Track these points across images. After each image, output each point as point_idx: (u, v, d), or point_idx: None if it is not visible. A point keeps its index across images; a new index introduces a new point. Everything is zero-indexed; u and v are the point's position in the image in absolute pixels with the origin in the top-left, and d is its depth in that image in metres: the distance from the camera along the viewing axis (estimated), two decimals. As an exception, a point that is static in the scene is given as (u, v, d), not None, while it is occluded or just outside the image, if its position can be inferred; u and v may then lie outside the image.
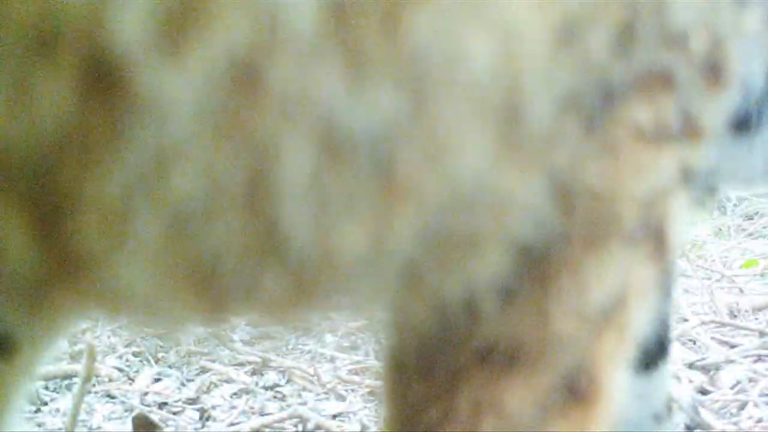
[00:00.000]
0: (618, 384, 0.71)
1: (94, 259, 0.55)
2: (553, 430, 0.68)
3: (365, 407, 2.05)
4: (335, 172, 0.55)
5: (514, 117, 0.60)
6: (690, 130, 0.71)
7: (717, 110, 0.74)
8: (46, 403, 2.05)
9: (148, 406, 2.07)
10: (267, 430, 1.94)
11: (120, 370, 2.28)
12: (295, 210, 0.55)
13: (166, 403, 2.10)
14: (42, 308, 0.66)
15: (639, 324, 0.72)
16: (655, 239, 0.71)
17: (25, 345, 0.87)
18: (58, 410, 1.97)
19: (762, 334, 2.38)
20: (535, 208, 0.64)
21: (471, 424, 0.68)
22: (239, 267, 0.59)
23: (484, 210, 0.62)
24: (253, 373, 2.28)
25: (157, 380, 2.23)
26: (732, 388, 2.08)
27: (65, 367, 2.17)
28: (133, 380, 2.22)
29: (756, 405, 1.98)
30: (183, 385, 2.21)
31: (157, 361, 2.34)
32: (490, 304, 0.67)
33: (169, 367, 2.32)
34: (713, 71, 0.72)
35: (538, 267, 0.67)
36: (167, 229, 0.55)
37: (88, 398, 2.01)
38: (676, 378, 2.08)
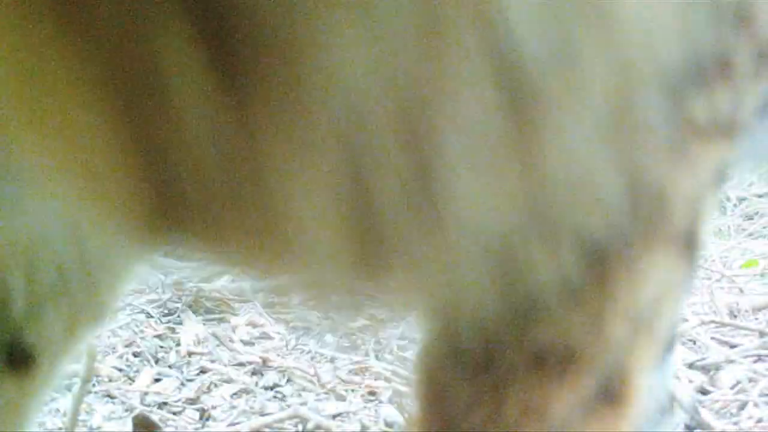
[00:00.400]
0: (646, 384, 0.70)
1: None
2: None
3: (365, 407, 2.05)
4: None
5: (627, 101, 0.59)
6: (733, 124, 0.69)
7: (753, 102, 0.71)
8: (46, 403, 2.05)
9: (148, 406, 2.07)
10: (267, 430, 1.94)
11: (120, 370, 2.27)
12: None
13: (166, 403, 2.09)
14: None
15: (667, 325, 0.71)
16: (687, 240, 0.69)
17: (43, 359, 0.87)
18: (58, 410, 1.97)
19: (762, 334, 2.38)
20: (612, 207, 0.63)
21: (515, 430, 0.67)
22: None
23: (570, 200, 0.61)
24: (253, 373, 2.28)
25: (157, 380, 2.23)
26: (732, 388, 2.08)
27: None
28: (133, 380, 2.22)
29: (756, 405, 1.98)
30: (183, 385, 2.21)
31: (157, 361, 2.34)
32: (551, 304, 0.67)
33: (169, 367, 2.32)
34: (763, 59, 0.69)
35: (598, 267, 0.66)
36: None
37: (88, 398, 2.01)
38: (676, 378, 2.07)
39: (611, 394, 0.68)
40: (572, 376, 0.67)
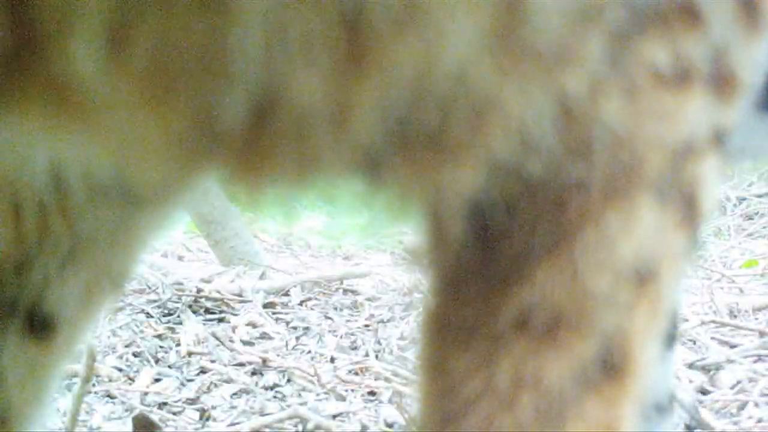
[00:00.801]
0: (650, 360, 0.67)
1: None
2: (586, 407, 0.65)
3: (365, 407, 2.05)
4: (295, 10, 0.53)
5: (516, 13, 0.56)
6: (723, 79, 0.66)
7: (753, 62, 0.67)
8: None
9: (148, 406, 2.07)
10: (267, 430, 1.94)
11: (120, 370, 2.28)
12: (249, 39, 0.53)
13: (166, 403, 2.10)
14: None
15: (670, 296, 0.68)
16: (686, 205, 0.67)
17: (63, 325, 0.87)
18: (58, 410, 1.97)
19: (762, 334, 2.39)
20: (529, 127, 0.60)
21: (509, 400, 0.65)
22: (196, 88, 0.57)
23: (463, 111, 0.58)
24: (253, 373, 2.28)
25: (157, 380, 2.23)
26: (732, 388, 2.09)
27: (65, 367, 2.16)
28: (133, 380, 2.22)
29: (756, 405, 1.98)
30: (183, 385, 2.21)
31: (157, 361, 2.34)
32: (464, 225, 0.64)
33: (169, 367, 2.32)
34: (748, 8, 0.65)
35: (556, 214, 0.64)
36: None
37: (88, 398, 2.01)
38: (676, 378, 2.08)
39: (611, 367, 0.66)
40: (564, 340, 0.65)
